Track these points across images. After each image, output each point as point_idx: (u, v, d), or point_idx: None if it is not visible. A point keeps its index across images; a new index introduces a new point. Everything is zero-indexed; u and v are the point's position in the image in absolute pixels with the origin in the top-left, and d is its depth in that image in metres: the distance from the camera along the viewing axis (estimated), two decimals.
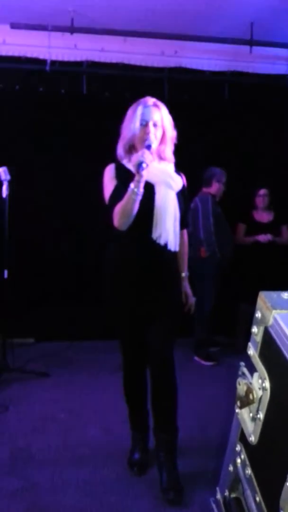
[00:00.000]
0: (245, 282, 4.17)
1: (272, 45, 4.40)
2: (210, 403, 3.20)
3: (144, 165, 2.01)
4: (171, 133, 2.26)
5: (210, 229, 3.96)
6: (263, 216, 4.42)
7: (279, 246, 4.33)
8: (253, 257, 4.27)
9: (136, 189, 2.05)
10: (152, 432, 2.42)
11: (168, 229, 2.18)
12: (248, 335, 0.88)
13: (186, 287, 2.45)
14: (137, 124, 2.18)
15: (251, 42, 4.28)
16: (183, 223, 2.36)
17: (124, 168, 2.22)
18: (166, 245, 2.19)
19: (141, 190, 2.06)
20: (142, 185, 2.05)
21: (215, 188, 4.11)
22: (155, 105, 2.21)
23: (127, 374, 2.44)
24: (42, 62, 4.22)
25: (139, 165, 2.02)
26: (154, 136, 2.17)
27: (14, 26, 4.01)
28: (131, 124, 2.19)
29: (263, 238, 4.28)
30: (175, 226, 2.22)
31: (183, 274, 2.44)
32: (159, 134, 2.20)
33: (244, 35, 4.23)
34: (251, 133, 4.59)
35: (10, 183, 3.52)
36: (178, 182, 2.28)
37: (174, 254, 2.28)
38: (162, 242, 2.17)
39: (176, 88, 4.43)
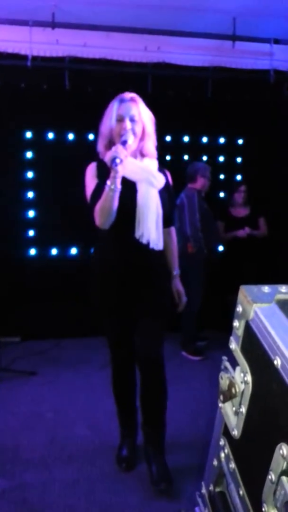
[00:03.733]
0: (229, 277, 4.22)
1: (255, 40, 4.40)
2: (198, 397, 3.22)
3: (117, 160, 1.99)
4: (151, 128, 2.23)
5: (197, 225, 3.96)
6: (240, 212, 4.51)
7: (258, 239, 4.42)
8: (234, 253, 4.35)
9: (112, 186, 2.02)
10: (140, 428, 2.43)
11: (150, 227, 2.15)
12: None
13: (178, 285, 2.42)
14: (113, 119, 2.15)
15: (233, 37, 4.27)
16: (170, 221, 2.35)
17: (105, 166, 2.20)
18: (148, 243, 2.17)
19: (118, 186, 2.03)
20: (118, 180, 2.03)
21: (200, 183, 4.11)
22: (132, 100, 2.18)
23: (116, 372, 2.44)
24: (23, 57, 4.15)
25: (113, 161, 1.99)
26: (131, 132, 2.14)
27: None
28: (108, 120, 2.17)
29: (241, 233, 4.36)
30: (158, 224, 2.19)
31: (174, 273, 2.42)
32: (138, 129, 2.17)
33: (227, 30, 4.22)
34: (234, 128, 4.61)
35: None
36: (160, 179, 2.24)
37: (160, 252, 2.25)
38: (144, 241, 2.15)
39: (160, 83, 4.42)
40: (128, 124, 2.14)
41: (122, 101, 2.17)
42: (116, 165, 1.99)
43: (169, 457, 2.35)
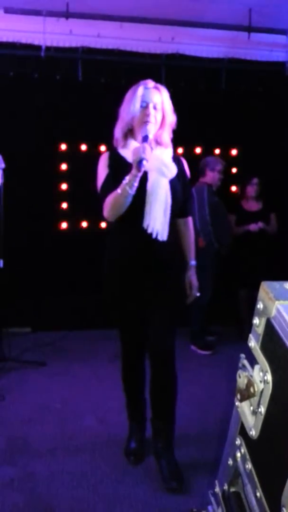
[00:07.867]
0: (240, 271, 4.19)
1: (270, 32, 4.34)
2: (207, 392, 3.20)
3: (144, 162, 1.96)
4: (171, 118, 2.20)
5: (206, 219, 3.94)
6: (252, 205, 4.44)
7: (268, 235, 4.37)
8: (245, 247, 4.29)
9: (131, 183, 1.99)
10: (149, 421, 2.41)
11: (157, 217, 2.11)
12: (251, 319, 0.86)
13: (192, 276, 2.37)
14: (137, 105, 2.11)
15: (249, 29, 4.21)
16: (185, 210, 2.31)
17: (119, 156, 2.16)
18: (155, 234, 2.13)
19: (136, 184, 2.00)
20: (137, 179, 2.00)
21: (209, 177, 4.08)
22: (156, 87, 2.16)
23: (126, 363, 2.42)
24: (37, 48, 4.14)
25: (140, 162, 1.95)
26: (154, 119, 2.11)
27: (8, 10, 3.94)
28: (131, 105, 2.12)
29: (254, 227, 4.30)
30: (166, 214, 2.14)
31: (190, 264, 2.37)
32: (159, 117, 2.14)
33: (243, 22, 4.16)
34: (248, 120, 4.55)
35: (5, 170, 3.47)
36: (172, 169, 2.20)
37: (170, 242, 2.20)
38: (150, 230, 2.11)
39: (173, 74, 4.37)
40: (151, 110, 2.11)
41: (146, 87, 2.13)
42: (142, 166, 1.96)
43: (178, 451, 2.34)
